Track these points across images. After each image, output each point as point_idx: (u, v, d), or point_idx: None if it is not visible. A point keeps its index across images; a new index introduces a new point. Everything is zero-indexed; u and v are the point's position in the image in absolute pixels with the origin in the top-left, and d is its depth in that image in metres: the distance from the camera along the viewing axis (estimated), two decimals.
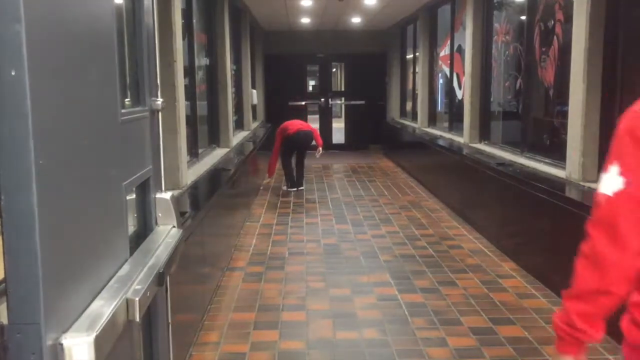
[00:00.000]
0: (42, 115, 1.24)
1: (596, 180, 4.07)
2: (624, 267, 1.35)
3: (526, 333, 3.75)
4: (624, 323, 1.44)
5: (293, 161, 8.88)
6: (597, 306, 1.40)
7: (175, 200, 2.42)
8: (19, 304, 1.22)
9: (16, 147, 1.20)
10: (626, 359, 1.46)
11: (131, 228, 2.10)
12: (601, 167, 1.45)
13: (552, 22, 5.35)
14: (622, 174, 1.34)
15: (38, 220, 1.22)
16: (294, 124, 8.84)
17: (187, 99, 5.05)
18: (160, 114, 2.44)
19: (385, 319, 4.01)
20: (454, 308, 4.17)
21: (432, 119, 10.05)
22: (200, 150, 5.94)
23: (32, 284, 1.22)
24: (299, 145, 8.80)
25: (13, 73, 1.18)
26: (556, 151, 5.25)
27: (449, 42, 8.85)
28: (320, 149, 8.98)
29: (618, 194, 1.34)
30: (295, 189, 8.74)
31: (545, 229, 4.59)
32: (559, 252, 4.18)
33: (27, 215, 1.21)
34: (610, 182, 1.36)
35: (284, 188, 8.90)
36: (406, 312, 4.11)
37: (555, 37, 5.28)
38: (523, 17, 6.11)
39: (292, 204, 7.89)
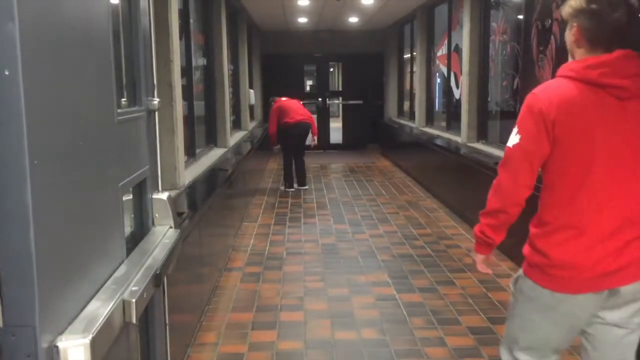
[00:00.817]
0: (36, 115, 1.23)
1: None
2: (515, 195, 2.01)
3: None
4: (525, 249, 2.08)
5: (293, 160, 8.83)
6: (499, 220, 2.05)
7: (173, 200, 2.41)
8: (14, 306, 1.21)
9: (10, 147, 1.18)
10: (525, 273, 2.07)
11: (128, 229, 2.09)
12: None
13: (550, 21, 5.34)
14: (518, 132, 1.95)
15: (32, 221, 1.20)
16: (294, 112, 8.63)
17: (184, 98, 5.04)
18: (157, 113, 2.44)
19: (383, 318, 4.00)
20: (452, 307, 4.16)
21: (430, 119, 10.04)
22: (197, 150, 5.92)
23: (27, 286, 1.21)
24: (297, 136, 8.63)
25: (7, 73, 1.17)
26: None
27: (446, 41, 8.84)
28: (316, 138, 8.93)
29: (515, 146, 1.96)
30: (292, 189, 8.72)
31: None
32: None
33: (22, 216, 1.20)
34: (512, 138, 1.97)
35: (282, 188, 8.88)
36: (404, 312, 4.10)
37: (552, 36, 5.27)
38: (520, 16, 6.11)
39: (289, 204, 7.88)
